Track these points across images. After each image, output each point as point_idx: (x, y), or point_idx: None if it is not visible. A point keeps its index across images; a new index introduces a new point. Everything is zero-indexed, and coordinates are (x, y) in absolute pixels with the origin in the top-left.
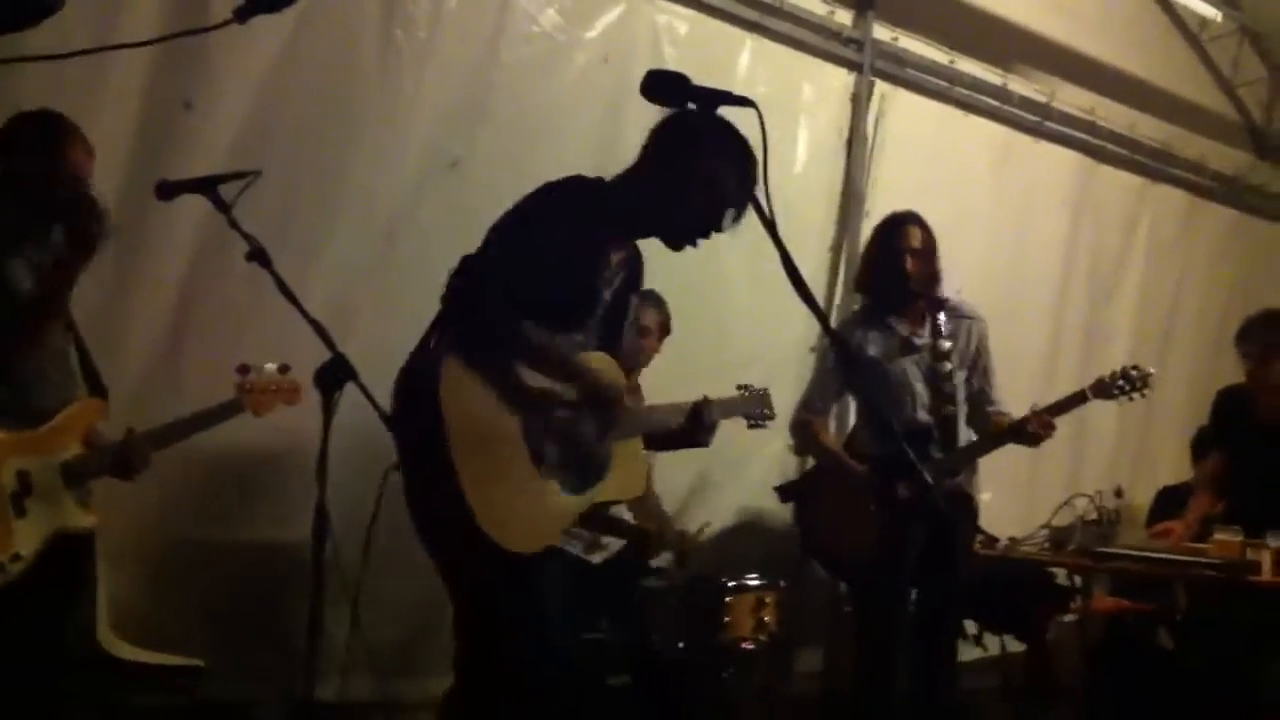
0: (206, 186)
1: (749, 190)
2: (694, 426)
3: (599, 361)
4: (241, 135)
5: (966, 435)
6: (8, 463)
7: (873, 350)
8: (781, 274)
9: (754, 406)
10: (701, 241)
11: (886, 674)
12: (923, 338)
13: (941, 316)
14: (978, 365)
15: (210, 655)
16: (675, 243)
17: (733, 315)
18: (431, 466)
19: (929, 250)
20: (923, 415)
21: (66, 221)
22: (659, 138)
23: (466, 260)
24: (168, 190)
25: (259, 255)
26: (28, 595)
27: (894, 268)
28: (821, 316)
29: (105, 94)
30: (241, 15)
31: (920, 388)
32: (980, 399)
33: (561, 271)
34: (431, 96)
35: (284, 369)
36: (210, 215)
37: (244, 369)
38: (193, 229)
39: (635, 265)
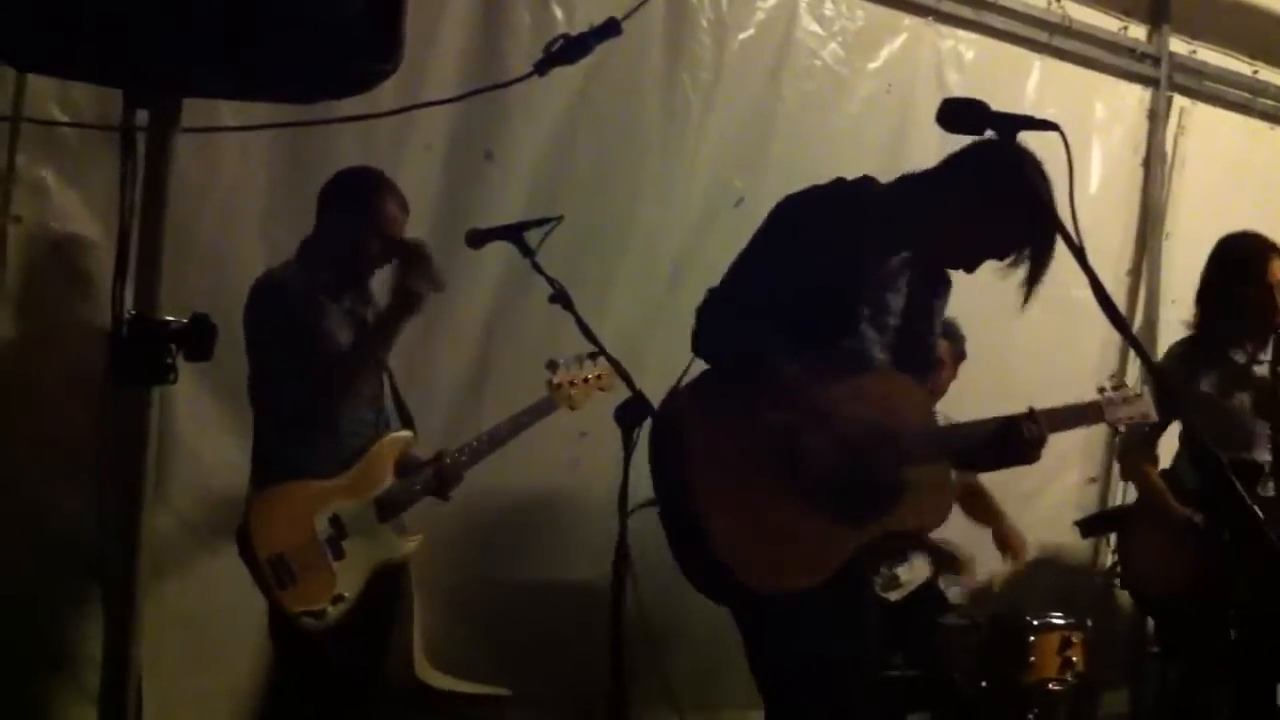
0: (513, 233)
1: (1037, 240)
2: (1010, 442)
3: (882, 380)
4: (537, 182)
5: None
6: (321, 511)
7: (1206, 384)
8: (1073, 300)
9: (1092, 418)
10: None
11: None
12: (1263, 365)
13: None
14: None
15: (513, 684)
16: (944, 266)
17: (1019, 343)
18: (679, 510)
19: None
20: (1261, 454)
21: (396, 274)
22: (961, 160)
23: (711, 292)
24: (477, 238)
25: (561, 297)
26: (352, 628)
27: (1262, 303)
28: (1138, 346)
29: (412, 148)
30: (541, 68)
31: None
32: None
33: (815, 279)
34: (716, 135)
35: (593, 355)
36: (511, 259)
37: (552, 364)
38: (495, 272)
39: (933, 269)
